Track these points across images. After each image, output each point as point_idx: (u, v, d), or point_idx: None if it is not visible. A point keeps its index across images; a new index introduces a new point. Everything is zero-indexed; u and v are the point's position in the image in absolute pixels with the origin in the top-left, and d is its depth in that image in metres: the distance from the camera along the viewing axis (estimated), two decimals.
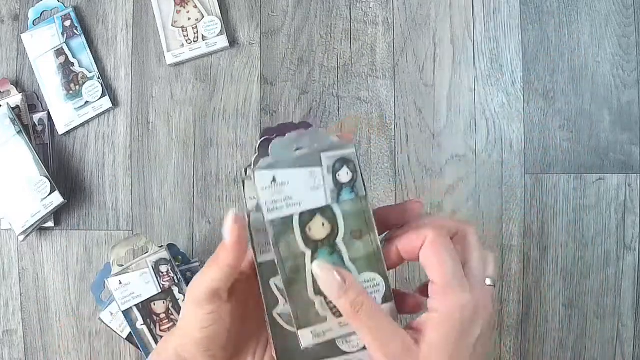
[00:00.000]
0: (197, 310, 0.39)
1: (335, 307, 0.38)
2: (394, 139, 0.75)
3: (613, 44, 0.75)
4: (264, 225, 0.38)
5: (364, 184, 0.39)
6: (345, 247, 0.40)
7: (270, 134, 0.39)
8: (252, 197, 0.39)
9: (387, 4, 0.76)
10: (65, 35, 0.75)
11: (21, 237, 0.71)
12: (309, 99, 0.75)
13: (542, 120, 0.75)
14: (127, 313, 0.66)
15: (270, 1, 0.76)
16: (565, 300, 0.74)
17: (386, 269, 0.39)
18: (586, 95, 0.75)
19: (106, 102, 0.75)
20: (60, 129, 0.75)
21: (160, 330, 0.68)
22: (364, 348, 0.38)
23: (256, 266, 0.38)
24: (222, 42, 0.74)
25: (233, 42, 0.76)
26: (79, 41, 0.75)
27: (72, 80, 0.75)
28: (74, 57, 0.75)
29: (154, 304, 0.67)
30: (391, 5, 0.76)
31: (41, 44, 0.75)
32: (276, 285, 0.39)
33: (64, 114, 0.75)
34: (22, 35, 0.75)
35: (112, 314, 0.70)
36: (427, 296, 0.37)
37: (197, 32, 0.75)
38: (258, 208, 0.38)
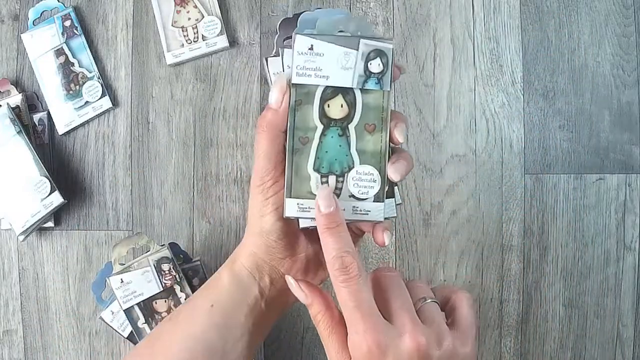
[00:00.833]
0: (265, 195, 0.40)
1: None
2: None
3: (613, 44, 0.75)
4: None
5: (391, 83, 0.41)
6: (355, 135, 0.41)
7: (288, 24, 0.42)
8: (289, 66, 0.40)
9: (387, 4, 0.76)
10: (65, 35, 0.75)
11: (21, 237, 0.71)
12: None
13: (542, 120, 0.75)
14: (128, 312, 0.66)
15: (270, 1, 0.76)
16: (565, 300, 0.74)
17: (386, 172, 0.40)
18: (586, 95, 0.75)
19: (106, 102, 0.75)
20: (60, 129, 0.75)
21: None
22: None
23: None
24: (222, 42, 0.74)
25: (233, 42, 0.76)
26: (79, 41, 0.75)
27: (72, 80, 0.75)
28: (74, 57, 0.75)
29: (156, 303, 0.67)
30: (391, 5, 0.76)
31: (41, 44, 0.75)
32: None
33: (64, 114, 0.75)
34: (22, 35, 0.75)
35: (113, 313, 0.70)
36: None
37: (197, 32, 0.75)
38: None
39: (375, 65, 0.41)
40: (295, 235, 0.42)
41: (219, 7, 0.75)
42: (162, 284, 0.66)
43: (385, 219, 0.41)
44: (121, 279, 0.65)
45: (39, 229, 0.73)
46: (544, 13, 0.75)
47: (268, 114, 0.39)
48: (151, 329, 0.67)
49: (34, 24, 0.75)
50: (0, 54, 0.76)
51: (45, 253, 0.75)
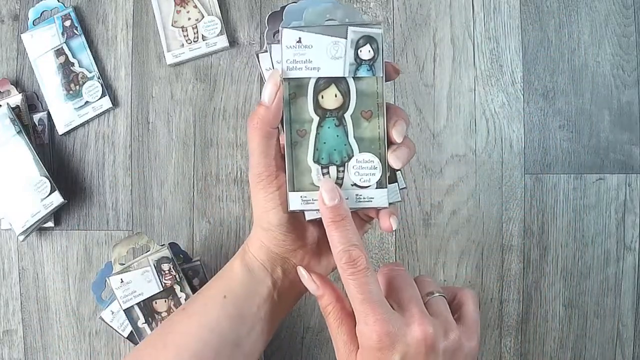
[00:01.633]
0: (267, 190, 0.40)
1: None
2: None
3: (613, 44, 0.75)
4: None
5: (383, 68, 0.40)
6: (352, 123, 0.41)
7: (277, 18, 0.42)
8: (278, 61, 0.40)
9: (387, 4, 0.76)
10: (65, 35, 0.75)
11: (21, 237, 0.71)
12: None
13: (542, 120, 0.75)
14: (128, 312, 0.66)
15: (271, 1, 0.76)
16: (565, 300, 0.74)
17: (387, 157, 0.40)
18: (586, 95, 0.75)
19: (106, 102, 0.75)
20: (60, 129, 0.75)
21: None
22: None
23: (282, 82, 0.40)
24: (222, 42, 0.74)
25: (233, 42, 0.76)
26: (79, 41, 0.75)
27: (72, 80, 0.75)
28: (74, 57, 0.75)
29: (156, 303, 0.67)
30: (391, 5, 0.76)
31: (41, 44, 0.75)
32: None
33: (64, 114, 0.75)
34: (22, 35, 0.75)
35: (113, 313, 0.70)
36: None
37: (197, 32, 0.75)
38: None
39: (366, 52, 0.40)
40: (303, 227, 0.42)
41: (219, 7, 0.75)
42: (162, 284, 0.66)
43: (390, 204, 0.41)
44: (121, 279, 0.65)
45: (39, 229, 0.73)
46: (544, 13, 0.75)
47: (260, 110, 0.39)
48: (151, 329, 0.67)
49: (34, 24, 0.75)
50: (0, 54, 0.76)
51: (45, 253, 0.75)
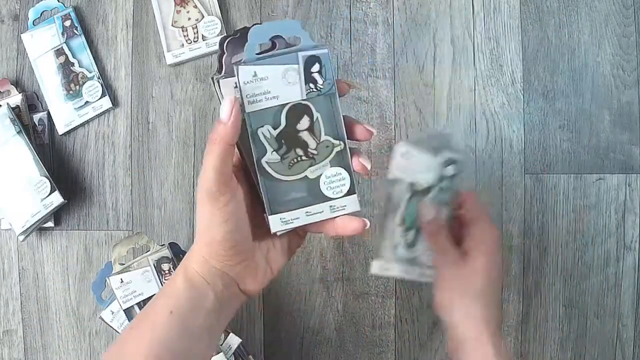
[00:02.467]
0: (214, 206, 0.41)
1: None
2: (394, 139, 0.75)
3: (613, 44, 0.75)
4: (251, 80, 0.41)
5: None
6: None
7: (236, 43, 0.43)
8: (235, 86, 0.42)
9: (387, 4, 0.76)
10: (65, 35, 0.75)
11: (21, 237, 0.71)
12: None
13: (542, 120, 0.75)
14: (128, 312, 0.66)
15: (270, 1, 0.76)
16: (565, 300, 0.74)
17: (351, 166, 0.43)
18: (586, 95, 0.75)
19: (106, 102, 0.75)
20: (60, 129, 0.75)
21: None
22: (347, 193, 0.43)
23: (245, 117, 0.41)
24: None
25: None
26: (79, 41, 0.75)
27: (72, 80, 0.75)
28: (74, 57, 0.75)
29: None
30: (391, 5, 0.76)
31: (41, 44, 0.75)
32: (264, 135, 0.42)
33: (64, 114, 0.75)
34: (22, 35, 0.75)
35: (113, 313, 0.70)
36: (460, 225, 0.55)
37: (197, 32, 0.75)
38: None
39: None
40: (243, 243, 0.43)
41: (219, 7, 0.75)
42: (162, 284, 0.66)
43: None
44: (121, 279, 0.66)
45: (39, 229, 0.73)
46: (544, 13, 0.75)
47: (219, 128, 0.40)
48: None
49: (34, 24, 0.75)
50: (0, 54, 0.76)
51: (45, 253, 0.75)
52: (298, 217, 0.42)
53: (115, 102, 0.76)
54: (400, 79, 0.75)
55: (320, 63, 0.42)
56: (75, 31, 0.75)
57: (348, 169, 0.43)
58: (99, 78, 0.75)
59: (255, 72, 0.41)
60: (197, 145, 0.75)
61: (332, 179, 0.43)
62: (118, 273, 0.66)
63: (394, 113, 0.75)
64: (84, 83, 0.75)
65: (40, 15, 0.75)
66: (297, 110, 0.42)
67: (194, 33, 0.75)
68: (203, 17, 0.75)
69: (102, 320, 0.70)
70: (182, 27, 0.75)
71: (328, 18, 0.76)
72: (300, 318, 0.74)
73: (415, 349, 0.74)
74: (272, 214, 0.42)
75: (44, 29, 0.75)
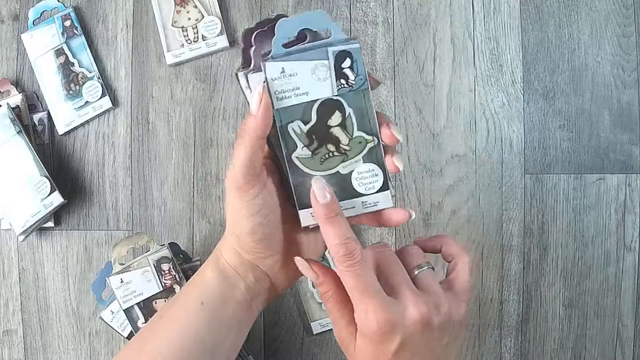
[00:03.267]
0: (242, 198, 0.41)
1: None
2: None
3: (613, 44, 0.75)
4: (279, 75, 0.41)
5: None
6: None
7: (251, 35, 0.42)
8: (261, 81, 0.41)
9: (387, 4, 0.76)
10: (65, 35, 0.75)
11: (21, 237, 0.71)
12: None
13: (542, 120, 0.75)
14: (128, 312, 0.66)
15: (271, 1, 0.76)
16: (565, 300, 0.74)
17: (384, 162, 0.42)
18: (586, 95, 0.75)
19: (106, 102, 0.75)
20: (60, 129, 0.75)
21: None
22: (380, 190, 0.42)
23: (274, 112, 0.41)
24: (222, 42, 0.74)
25: (233, 42, 0.76)
26: (79, 41, 0.75)
27: (72, 80, 0.75)
28: (74, 57, 0.75)
29: (156, 303, 0.67)
30: (391, 5, 0.76)
31: (41, 44, 0.75)
32: (294, 130, 0.41)
33: (64, 114, 0.75)
34: (22, 35, 0.75)
35: (113, 312, 0.70)
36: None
37: (197, 32, 0.75)
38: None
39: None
40: (273, 236, 0.43)
41: (219, 7, 0.75)
42: (162, 284, 0.66)
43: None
44: (121, 279, 0.65)
45: (39, 229, 0.73)
46: (544, 13, 0.75)
47: (248, 120, 0.40)
48: None
49: (34, 24, 0.75)
50: (0, 54, 0.76)
51: (45, 253, 0.75)
52: None
53: (115, 102, 0.76)
54: (400, 78, 0.75)
55: (351, 58, 0.41)
56: (75, 31, 0.75)
57: (381, 165, 0.42)
58: (99, 78, 0.75)
59: (283, 68, 0.40)
60: (197, 145, 0.75)
61: (365, 175, 0.42)
62: (118, 273, 0.66)
63: (394, 113, 0.75)
64: (84, 83, 0.75)
65: (40, 15, 0.75)
66: (329, 106, 0.41)
67: (194, 33, 0.75)
68: (203, 17, 0.75)
69: (102, 320, 0.70)
70: (182, 27, 0.75)
71: None
72: (300, 318, 0.74)
73: None
74: (301, 208, 0.42)
75: (44, 29, 0.75)
